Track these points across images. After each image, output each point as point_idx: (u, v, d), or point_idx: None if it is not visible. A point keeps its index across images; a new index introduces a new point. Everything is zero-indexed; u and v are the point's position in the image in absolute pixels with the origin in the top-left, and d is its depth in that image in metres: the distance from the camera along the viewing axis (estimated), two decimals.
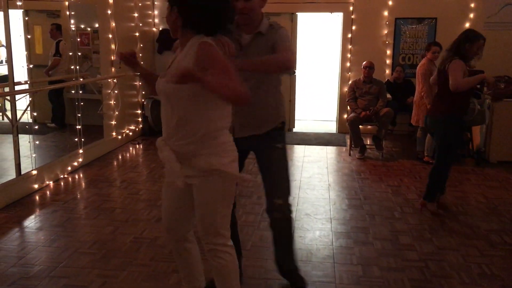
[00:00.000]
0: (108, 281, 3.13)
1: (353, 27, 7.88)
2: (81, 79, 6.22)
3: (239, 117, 2.70)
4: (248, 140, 2.75)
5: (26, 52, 5.49)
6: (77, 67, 6.17)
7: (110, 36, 6.62)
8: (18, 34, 5.40)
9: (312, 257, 3.50)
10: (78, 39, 6.47)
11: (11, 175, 4.70)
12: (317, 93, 10.94)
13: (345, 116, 7.69)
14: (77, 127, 5.92)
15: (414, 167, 6.04)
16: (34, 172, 4.94)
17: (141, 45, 7.65)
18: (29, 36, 5.78)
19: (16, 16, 5.28)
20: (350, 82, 7.20)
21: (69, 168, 5.64)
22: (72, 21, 6.27)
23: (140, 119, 7.74)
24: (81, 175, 5.57)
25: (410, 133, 7.67)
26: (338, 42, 8.15)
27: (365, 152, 6.57)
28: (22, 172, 4.77)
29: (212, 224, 2.33)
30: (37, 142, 5.29)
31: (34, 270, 3.26)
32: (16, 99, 4.71)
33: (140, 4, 7.61)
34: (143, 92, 7.77)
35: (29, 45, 5.87)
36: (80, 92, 6.07)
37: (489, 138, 6.22)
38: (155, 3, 8.19)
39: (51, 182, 5.21)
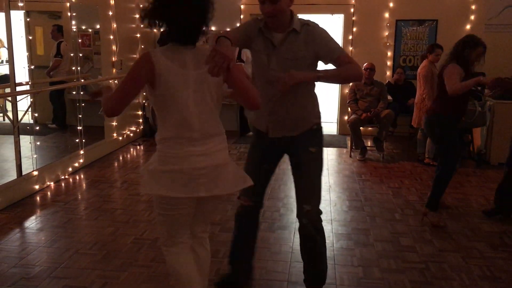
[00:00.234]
0: (109, 282, 3.13)
1: (354, 29, 7.89)
2: (82, 80, 6.23)
3: (274, 117, 2.68)
4: (282, 141, 2.73)
5: (27, 53, 5.50)
6: (78, 68, 6.18)
7: (111, 37, 6.63)
8: (19, 35, 5.41)
9: None
10: (79, 40, 6.48)
11: (12, 175, 4.71)
12: (318, 94, 10.92)
13: (346, 117, 7.69)
14: (78, 128, 5.92)
15: (415, 169, 6.04)
16: (35, 173, 4.94)
17: (142, 46, 7.66)
18: (30, 37, 5.79)
19: (18, 17, 5.29)
20: (351, 84, 7.20)
21: (70, 169, 5.64)
22: (73, 22, 6.28)
23: (141, 120, 7.75)
24: (82, 176, 5.57)
25: (411, 135, 7.66)
26: (339, 43, 8.16)
27: (366, 153, 6.57)
28: (23, 173, 4.78)
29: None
30: (38, 143, 5.29)
31: (35, 271, 3.26)
32: (17, 100, 4.71)
33: (141, 6, 7.60)
34: (144, 94, 7.77)
35: (30, 46, 5.88)
36: (81, 93, 6.07)
37: (489, 140, 6.22)
38: None
39: (52, 183, 5.22)
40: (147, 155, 6.70)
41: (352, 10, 7.87)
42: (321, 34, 2.57)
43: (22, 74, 5.32)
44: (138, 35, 7.55)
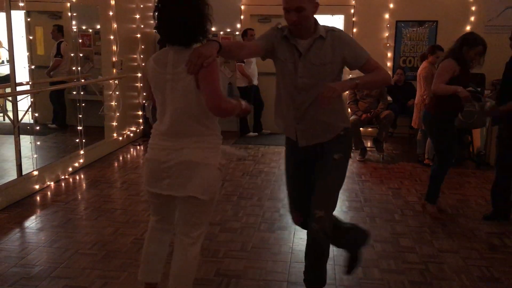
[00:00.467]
0: (109, 282, 3.13)
1: (354, 30, 7.89)
2: (83, 80, 6.24)
3: (302, 125, 2.65)
4: (312, 149, 2.69)
5: (27, 53, 5.51)
6: (79, 68, 6.18)
7: (112, 37, 6.63)
8: (20, 35, 5.42)
9: None
10: (80, 40, 6.49)
11: (12, 175, 4.71)
12: None
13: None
14: (78, 128, 5.93)
15: (415, 170, 6.04)
16: (35, 172, 4.95)
17: (142, 47, 7.67)
18: (30, 37, 5.79)
19: (18, 17, 5.29)
20: None
21: (70, 169, 5.65)
22: (73, 22, 6.29)
23: (141, 121, 7.75)
24: (82, 176, 5.57)
25: (410, 135, 7.68)
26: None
27: (365, 154, 6.57)
28: (23, 173, 4.78)
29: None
30: (38, 143, 5.30)
31: (35, 271, 3.26)
32: (17, 100, 4.72)
33: (141, 6, 7.63)
34: (144, 94, 7.78)
35: (31, 46, 5.88)
36: (82, 93, 6.08)
37: (489, 141, 6.22)
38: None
39: (52, 183, 5.22)
40: None
41: (352, 11, 7.88)
42: (348, 40, 2.57)
43: (22, 74, 5.32)
44: (139, 35, 7.55)
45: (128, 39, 7.18)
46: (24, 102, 5.07)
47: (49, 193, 4.95)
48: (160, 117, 2.44)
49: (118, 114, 6.84)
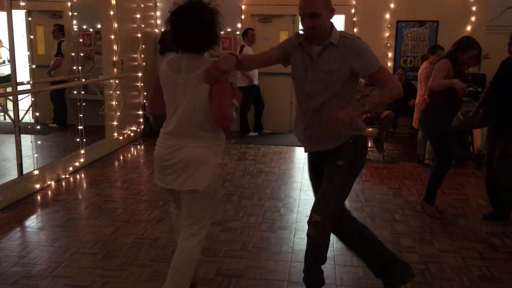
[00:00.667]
0: (109, 281, 3.13)
1: (355, 30, 7.89)
2: (83, 80, 6.24)
3: (308, 132, 2.67)
4: (319, 156, 2.72)
5: (28, 53, 5.51)
6: (79, 67, 6.19)
7: (113, 37, 6.63)
8: (20, 35, 5.42)
9: None
10: (81, 40, 6.49)
11: (13, 175, 4.72)
12: None
13: None
14: (79, 127, 5.93)
15: (415, 170, 6.05)
16: (36, 172, 4.95)
17: (143, 46, 7.67)
18: (31, 37, 5.79)
19: (19, 17, 5.30)
20: None
21: (71, 168, 5.65)
22: (74, 22, 6.29)
23: (141, 120, 7.76)
24: (83, 176, 5.58)
25: (411, 135, 7.68)
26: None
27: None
28: (24, 172, 4.78)
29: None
30: (39, 142, 5.30)
31: (35, 270, 3.26)
32: (18, 99, 4.72)
33: (142, 6, 7.63)
34: (145, 93, 7.79)
35: (32, 45, 5.88)
36: (82, 92, 6.08)
37: None
38: (157, 4, 8.21)
39: (52, 182, 5.22)
40: (147, 154, 6.70)
41: (353, 11, 7.89)
42: (358, 48, 2.50)
43: (23, 74, 5.32)
44: (139, 35, 7.56)
45: (128, 38, 7.18)
46: (25, 102, 5.07)
47: (49, 192, 4.95)
48: (168, 117, 2.61)
49: (118, 113, 6.85)
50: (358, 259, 3.40)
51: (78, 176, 5.55)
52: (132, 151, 6.87)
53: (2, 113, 5.90)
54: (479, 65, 4.18)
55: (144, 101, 7.73)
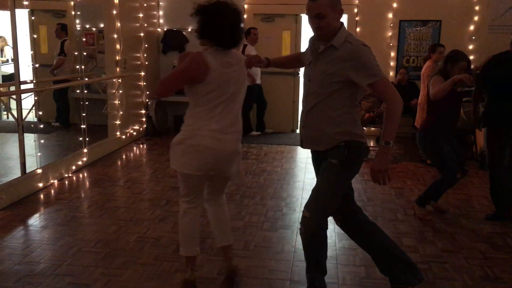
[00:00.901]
0: (112, 280, 3.14)
1: (358, 29, 7.89)
2: (86, 79, 6.25)
3: (304, 129, 2.73)
4: (315, 152, 2.79)
5: (31, 52, 5.52)
6: (82, 66, 6.20)
7: (115, 36, 6.64)
8: (24, 34, 5.43)
9: None
10: (83, 39, 6.50)
11: (16, 173, 4.73)
12: None
13: None
14: (82, 126, 5.94)
15: (418, 170, 6.04)
16: (39, 170, 4.97)
17: (146, 46, 7.68)
18: (34, 36, 5.80)
19: (22, 16, 5.31)
20: None
21: (74, 167, 5.67)
22: (77, 21, 6.31)
23: (144, 119, 7.76)
24: (85, 174, 5.59)
25: (413, 135, 7.64)
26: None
27: (368, 154, 6.56)
28: (27, 171, 4.80)
29: None
30: (42, 141, 5.32)
31: (38, 268, 3.28)
32: (21, 98, 4.73)
33: (145, 5, 7.64)
34: (148, 92, 7.80)
35: (35, 44, 5.90)
36: (85, 91, 6.09)
37: None
38: (160, 3, 8.22)
39: (55, 181, 5.24)
40: (150, 153, 6.71)
41: (355, 10, 7.88)
42: (358, 57, 2.48)
43: (26, 73, 5.34)
44: (142, 34, 7.56)
45: (131, 37, 7.19)
46: (28, 101, 5.09)
47: (52, 191, 4.97)
48: (220, 112, 2.74)
49: (121, 112, 6.86)
50: (366, 256, 3.41)
51: (81, 175, 5.57)
52: (135, 150, 6.89)
53: (6, 112, 5.93)
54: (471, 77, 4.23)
55: (147, 100, 7.74)
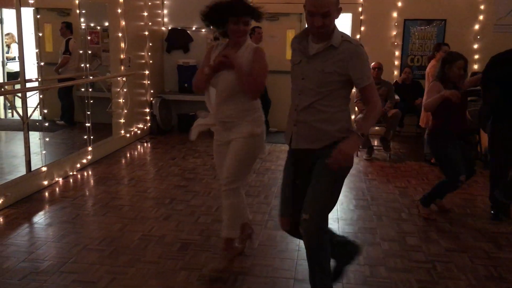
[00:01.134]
0: (117, 278, 3.15)
1: (362, 28, 7.87)
2: (91, 77, 6.27)
3: (297, 128, 2.65)
4: (305, 154, 2.68)
5: (36, 50, 5.54)
6: (87, 65, 6.22)
7: (120, 34, 6.66)
8: (29, 32, 5.45)
9: None
10: (88, 38, 6.52)
11: (21, 171, 4.75)
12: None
13: (353, 117, 7.69)
14: (86, 124, 5.96)
15: (422, 169, 6.03)
16: (44, 168, 4.98)
17: (150, 44, 7.69)
18: (40, 34, 5.82)
19: (27, 14, 5.33)
20: None
21: (78, 165, 5.68)
22: (82, 20, 6.32)
23: (148, 118, 7.78)
24: (90, 173, 5.61)
25: (418, 134, 7.66)
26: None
27: (372, 153, 6.57)
28: (32, 169, 4.82)
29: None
30: (47, 139, 5.34)
31: (43, 265, 3.29)
32: (27, 96, 4.75)
33: (149, 4, 7.65)
34: (152, 91, 7.81)
35: (40, 43, 5.92)
36: (90, 90, 6.11)
37: None
38: (165, 2, 8.22)
39: (60, 179, 5.26)
40: (154, 152, 6.73)
41: (360, 9, 7.86)
42: (361, 57, 2.51)
43: (31, 71, 5.36)
44: (146, 33, 7.58)
45: (136, 36, 7.20)
46: (33, 99, 5.11)
47: (57, 189, 4.99)
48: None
49: (125, 111, 6.87)
50: (370, 255, 3.41)
51: (85, 173, 5.58)
52: (139, 149, 6.90)
53: (11, 110, 5.95)
54: (466, 75, 4.26)
55: (151, 98, 7.75)
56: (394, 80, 7.54)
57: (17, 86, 4.89)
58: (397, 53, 7.90)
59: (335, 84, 2.54)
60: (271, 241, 3.76)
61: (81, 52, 6.28)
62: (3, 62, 6.30)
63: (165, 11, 8.26)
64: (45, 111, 5.51)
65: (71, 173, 5.49)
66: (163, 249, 3.58)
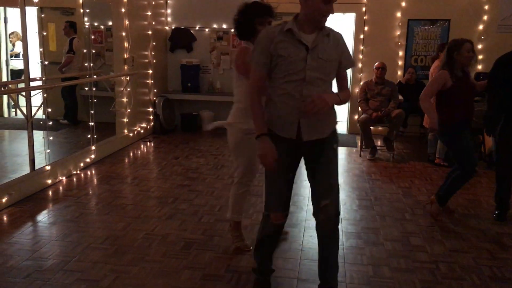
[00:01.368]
0: (120, 276, 3.16)
1: (366, 28, 7.87)
2: (94, 77, 6.27)
3: (309, 120, 2.60)
4: (311, 144, 2.66)
5: (40, 49, 5.55)
6: (91, 64, 6.23)
7: (124, 34, 6.67)
8: (33, 31, 5.46)
9: None
10: (92, 37, 6.53)
11: (25, 170, 4.76)
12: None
13: (356, 117, 7.68)
14: (90, 123, 5.97)
15: (425, 169, 6.02)
16: (48, 167, 5.00)
17: (154, 44, 7.70)
18: (44, 33, 5.83)
19: (31, 13, 5.34)
20: (361, 83, 7.19)
21: (82, 164, 5.70)
22: (86, 19, 6.33)
23: (151, 117, 7.79)
24: (93, 172, 5.62)
25: (421, 135, 7.65)
26: (350, 43, 8.14)
27: (376, 153, 6.56)
28: (36, 168, 4.83)
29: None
30: (51, 138, 5.34)
31: (47, 264, 3.30)
32: (31, 95, 4.76)
33: (153, 3, 7.65)
34: (155, 90, 7.82)
35: (44, 42, 5.93)
36: (93, 89, 6.12)
37: None
38: (168, 2, 8.23)
39: (64, 178, 5.27)
40: (157, 151, 6.73)
41: (364, 9, 7.85)
42: (344, 42, 2.67)
43: (35, 70, 5.37)
44: (150, 32, 7.58)
45: (139, 36, 7.21)
46: (37, 98, 5.12)
47: (61, 187, 5.00)
48: None
49: (129, 110, 6.88)
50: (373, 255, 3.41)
51: (89, 172, 5.59)
52: (142, 148, 6.91)
53: (15, 109, 5.96)
54: (476, 58, 4.23)
55: (155, 98, 7.76)
56: (398, 80, 7.52)
57: (21, 85, 4.90)
58: (400, 53, 7.89)
59: (335, 71, 2.66)
60: None
61: (84, 51, 6.29)
62: (7, 61, 6.32)
63: (169, 11, 8.27)
64: (49, 110, 5.52)
65: (74, 172, 5.50)
66: (166, 248, 3.58)
